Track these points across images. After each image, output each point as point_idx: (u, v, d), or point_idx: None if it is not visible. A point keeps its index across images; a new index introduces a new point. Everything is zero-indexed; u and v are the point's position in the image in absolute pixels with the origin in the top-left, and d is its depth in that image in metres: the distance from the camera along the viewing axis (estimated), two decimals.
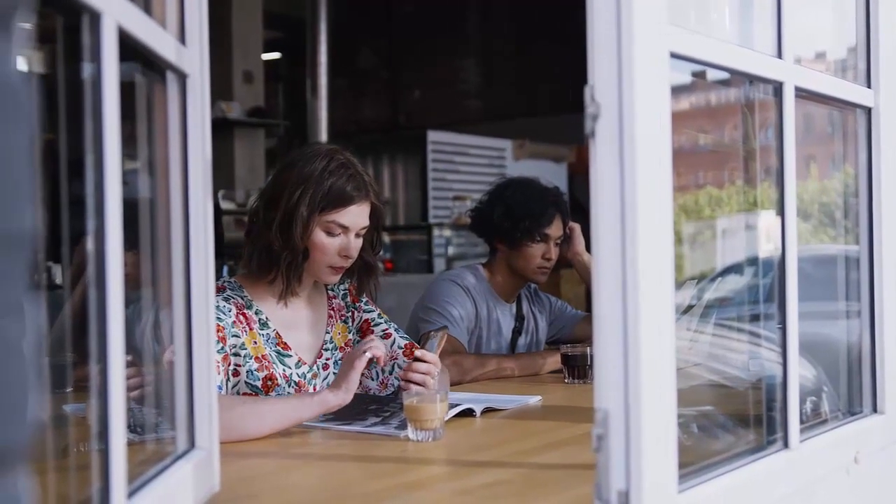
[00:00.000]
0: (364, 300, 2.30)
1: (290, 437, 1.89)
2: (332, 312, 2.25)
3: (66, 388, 1.96)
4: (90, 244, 0.95)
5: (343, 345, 2.24)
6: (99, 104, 0.95)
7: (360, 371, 1.86)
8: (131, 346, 1.03)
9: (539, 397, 2.29)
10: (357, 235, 2.10)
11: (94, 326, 0.96)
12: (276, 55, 9.03)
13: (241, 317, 2.07)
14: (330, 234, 2.07)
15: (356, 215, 2.08)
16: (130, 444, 1.02)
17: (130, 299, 1.02)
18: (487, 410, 2.09)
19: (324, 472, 1.65)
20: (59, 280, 2.74)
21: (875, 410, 1.73)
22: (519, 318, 3.03)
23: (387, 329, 2.27)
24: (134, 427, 1.26)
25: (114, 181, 0.96)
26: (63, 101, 1.02)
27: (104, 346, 0.96)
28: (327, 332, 2.22)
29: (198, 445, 1.31)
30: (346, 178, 2.05)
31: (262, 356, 2.07)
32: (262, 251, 2.09)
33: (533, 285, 3.08)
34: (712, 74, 1.47)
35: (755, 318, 1.83)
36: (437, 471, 1.64)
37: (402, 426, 1.84)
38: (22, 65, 0.59)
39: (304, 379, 2.13)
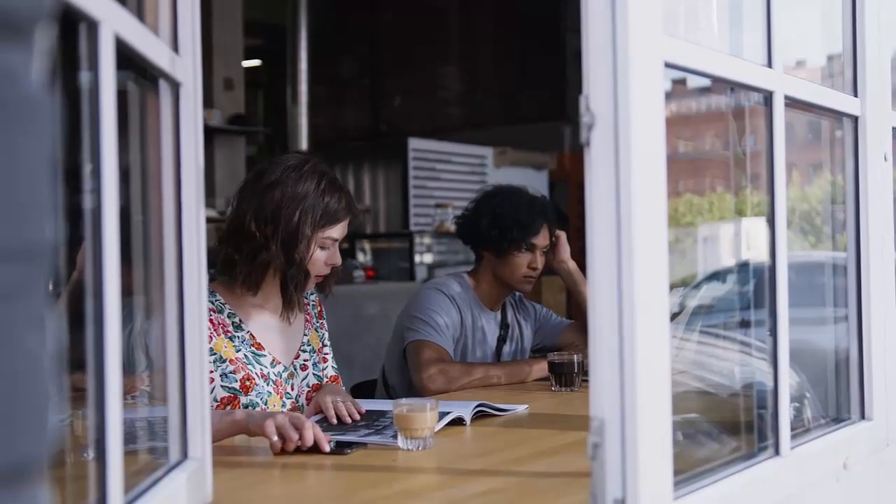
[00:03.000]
0: (324, 318, 2.41)
1: None
2: (307, 317, 2.34)
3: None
4: (87, 254, 0.94)
5: (317, 349, 2.33)
6: (96, 112, 0.95)
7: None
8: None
9: (526, 406, 2.29)
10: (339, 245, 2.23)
11: (90, 336, 0.95)
12: (256, 62, 9.00)
13: (209, 322, 2.10)
14: (323, 248, 2.18)
15: (344, 228, 2.22)
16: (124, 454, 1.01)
17: (121, 307, 1.02)
18: (479, 414, 2.09)
19: (315, 482, 1.64)
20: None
21: (863, 417, 1.74)
22: (504, 326, 3.03)
23: (327, 354, 2.38)
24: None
25: (111, 190, 0.95)
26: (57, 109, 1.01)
27: (101, 357, 0.95)
28: (305, 335, 2.30)
29: (191, 456, 1.31)
30: (339, 196, 2.18)
31: (236, 358, 2.12)
32: (259, 268, 2.13)
33: (518, 293, 3.08)
34: (693, 82, 1.48)
35: (739, 325, 1.83)
36: (429, 480, 1.63)
37: (397, 436, 1.84)
38: (42, 77, 0.59)
39: (281, 378, 2.19)
